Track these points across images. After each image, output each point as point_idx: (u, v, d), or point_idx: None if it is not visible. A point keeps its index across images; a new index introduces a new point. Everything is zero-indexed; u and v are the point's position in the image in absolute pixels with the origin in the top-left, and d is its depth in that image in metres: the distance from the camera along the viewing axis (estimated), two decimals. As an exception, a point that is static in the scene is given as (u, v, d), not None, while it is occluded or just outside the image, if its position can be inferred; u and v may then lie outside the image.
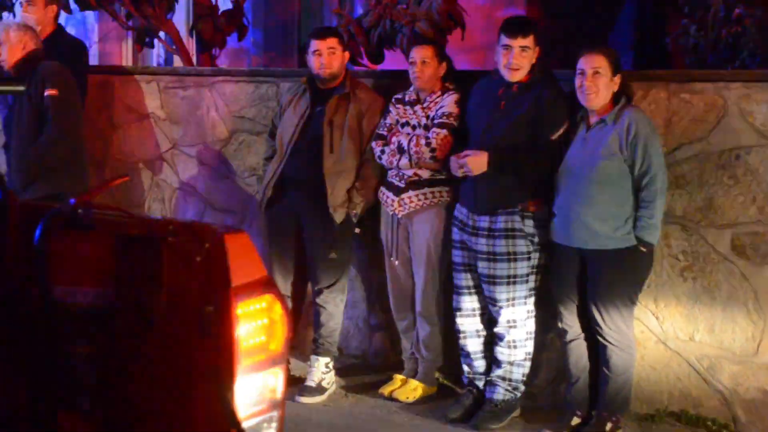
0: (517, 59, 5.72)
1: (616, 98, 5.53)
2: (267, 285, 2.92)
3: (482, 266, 5.96)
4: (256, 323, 2.85)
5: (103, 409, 3.13)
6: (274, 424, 2.92)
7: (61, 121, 6.28)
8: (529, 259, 5.83)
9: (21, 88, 6.39)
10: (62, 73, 6.55)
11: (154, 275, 2.95)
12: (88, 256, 3.09)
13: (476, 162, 5.70)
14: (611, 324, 5.60)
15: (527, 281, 5.86)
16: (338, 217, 6.25)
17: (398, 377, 6.55)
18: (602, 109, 5.49)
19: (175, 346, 2.94)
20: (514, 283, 5.81)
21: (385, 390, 6.45)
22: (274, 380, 2.94)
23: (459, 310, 6.18)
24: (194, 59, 9.64)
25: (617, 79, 5.52)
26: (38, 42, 6.71)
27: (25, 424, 3.15)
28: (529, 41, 5.59)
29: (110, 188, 6.57)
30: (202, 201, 7.90)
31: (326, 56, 6.24)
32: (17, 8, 8.79)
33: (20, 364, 3.21)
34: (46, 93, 6.29)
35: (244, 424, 2.87)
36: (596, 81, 5.39)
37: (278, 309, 2.91)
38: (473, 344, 6.19)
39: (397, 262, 6.44)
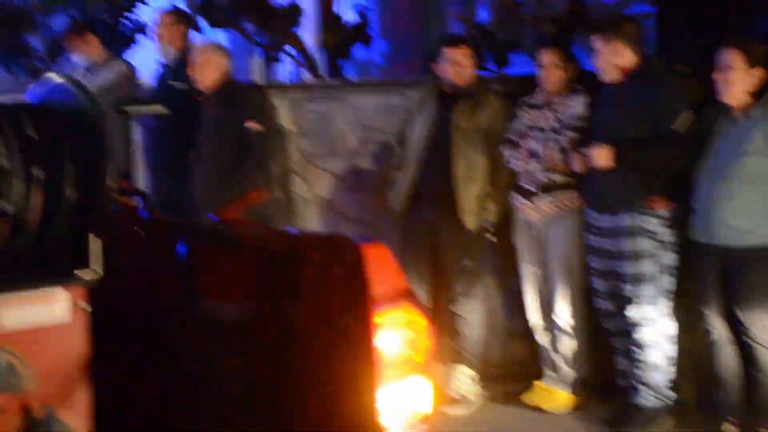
0: (601, 61, 5.88)
1: (761, 92, 5.45)
2: (407, 295, 2.98)
3: (611, 264, 6.06)
4: (397, 333, 2.94)
5: (252, 420, 3.28)
6: None
7: (262, 155, 6.62)
8: (655, 258, 5.86)
9: (163, 110, 6.49)
10: (265, 102, 6.87)
11: (295, 288, 3.10)
12: (232, 270, 3.24)
13: (600, 155, 5.73)
14: (758, 323, 5.58)
15: (656, 281, 5.88)
16: (470, 223, 6.38)
17: (540, 385, 6.60)
18: (744, 104, 5.47)
19: (318, 357, 3.05)
20: (641, 282, 5.83)
21: (528, 399, 6.54)
22: (418, 390, 3.02)
23: (599, 311, 6.22)
24: (322, 72, 9.82)
25: (757, 72, 5.41)
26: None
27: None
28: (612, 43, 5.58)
29: (250, 205, 6.91)
30: (335, 213, 8.14)
31: (460, 64, 6.47)
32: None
33: (172, 377, 3.36)
34: (250, 124, 6.56)
35: None
36: (728, 75, 5.39)
37: (419, 318, 2.99)
38: (621, 344, 6.22)
39: (532, 269, 6.53)
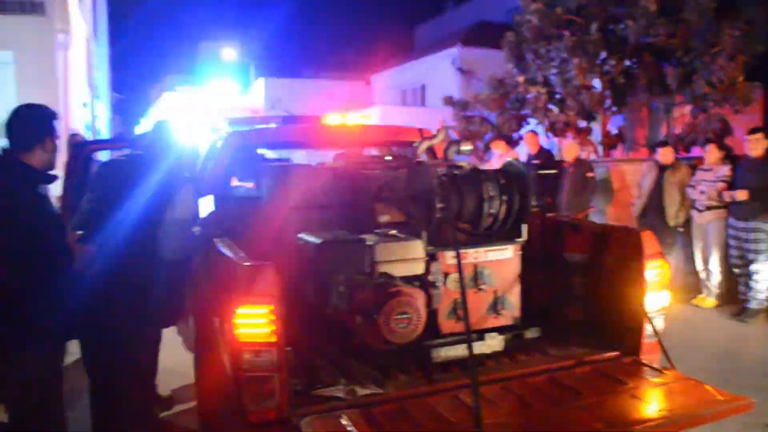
0: (752, 149, 6.87)
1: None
2: (658, 254, 3.68)
3: (741, 244, 7.20)
4: (654, 269, 3.66)
5: (586, 308, 3.97)
6: (662, 317, 3.72)
7: (592, 189, 8.44)
8: (764, 241, 6.99)
9: (552, 172, 8.55)
10: (591, 166, 8.57)
11: (608, 248, 3.86)
12: (579, 239, 4.05)
13: (742, 194, 7.10)
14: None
15: (764, 251, 6.93)
16: (671, 223, 7.93)
17: (700, 296, 7.74)
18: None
19: (619, 278, 3.79)
20: (758, 252, 6.91)
21: (695, 302, 7.70)
22: (664, 298, 3.72)
23: (732, 264, 7.21)
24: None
25: None
26: None
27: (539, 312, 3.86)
28: None
29: (585, 213, 8.26)
30: (610, 219, 9.52)
31: (666, 154, 8.09)
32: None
33: (559, 277, 4.12)
34: (588, 174, 8.27)
35: (650, 315, 3.62)
36: None
37: (665, 264, 3.66)
38: (743, 278, 7.12)
39: (700, 244, 7.78)
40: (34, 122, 3.15)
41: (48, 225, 3.06)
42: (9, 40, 10.41)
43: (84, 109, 15.23)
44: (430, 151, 5.01)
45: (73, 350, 3.39)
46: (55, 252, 2.98)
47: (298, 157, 8.15)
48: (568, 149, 8.47)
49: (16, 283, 2.87)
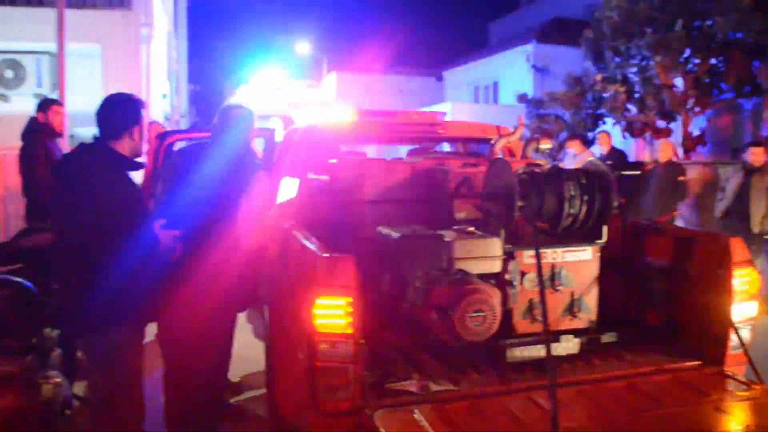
0: None
1: None
2: (749, 263, 3.60)
3: None
4: (742, 278, 3.56)
5: (667, 315, 3.94)
6: (748, 327, 3.61)
7: (682, 194, 8.32)
8: None
9: (637, 173, 8.36)
10: (682, 169, 8.36)
11: (691, 253, 3.80)
12: (660, 243, 3.98)
13: None
14: None
15: None
16: (755, 229, 7.47)
17: None
18: None
19: (702, 289, 3.71)
20: None
21: None
22: (751, 308, 3.61)
23: None
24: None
25: None
26: None
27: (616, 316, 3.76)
28: None
29: (669, 216, 8.08)
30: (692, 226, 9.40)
31: (756, 153, 7.67)
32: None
33: (634, 279, 4.00)
34: (681, 178, 8.14)
35: (737, 325, 3.52)
36: None
37: (754, 273, 3.59)
38: None
39: None
40: (123, 111, 3.35)
41: (137, 210, 3.26)
42: (97, 34, 10.85)
43: (163, 100, 15.67)
44: (507, 148, 4.98)
45: (148, 333, 3.56)
46: (142, 236, 3.16)
47: (370, 152, 8.23)
48: (662, 150, 8.27)
49: (108, 263, 3.08)
